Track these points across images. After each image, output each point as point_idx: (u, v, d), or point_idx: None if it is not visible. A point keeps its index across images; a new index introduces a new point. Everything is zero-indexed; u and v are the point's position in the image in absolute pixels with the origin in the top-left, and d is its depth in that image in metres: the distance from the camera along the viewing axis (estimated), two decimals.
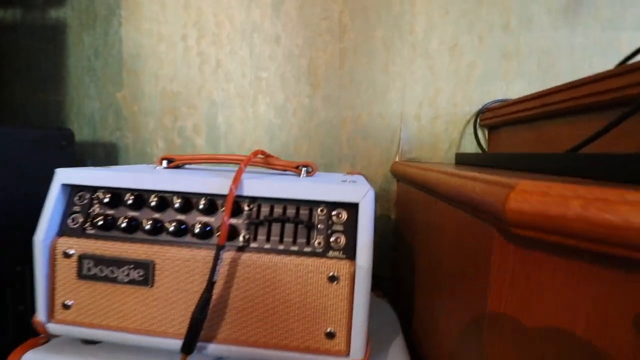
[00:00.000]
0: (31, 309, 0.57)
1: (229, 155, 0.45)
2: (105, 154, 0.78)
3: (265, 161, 0.45)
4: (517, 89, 0.70)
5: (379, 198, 0.74)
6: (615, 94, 0.39)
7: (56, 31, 0.77)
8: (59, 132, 0.61)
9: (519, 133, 0.64)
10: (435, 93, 0.71)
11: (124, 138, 0.77)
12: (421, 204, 0.52)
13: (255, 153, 0.43)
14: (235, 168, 0.38)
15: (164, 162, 0.46)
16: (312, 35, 0.72)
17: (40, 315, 0.38)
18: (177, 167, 0.47)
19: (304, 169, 0.44)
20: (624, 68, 0.38)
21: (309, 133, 0.74)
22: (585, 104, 0.45)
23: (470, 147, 0.72)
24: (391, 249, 0.74)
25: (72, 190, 0.40)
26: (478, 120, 0.70)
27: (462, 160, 0.68)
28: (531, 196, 0.23)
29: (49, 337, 0.42)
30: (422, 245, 0.51)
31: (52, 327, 0.38)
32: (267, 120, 0.74)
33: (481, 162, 0.59)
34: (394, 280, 0.70)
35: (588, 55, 0.68)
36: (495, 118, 0.66)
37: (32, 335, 0.41)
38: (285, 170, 0.45)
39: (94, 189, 0.40)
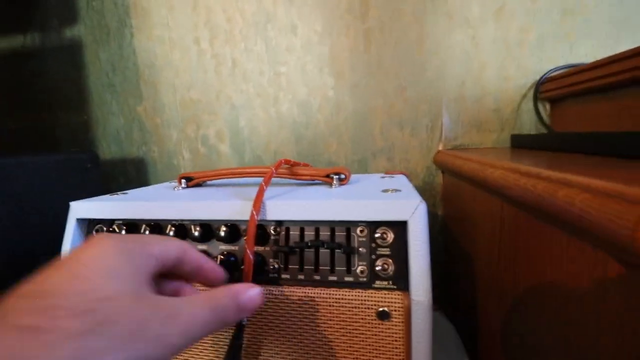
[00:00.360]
0: None
1: (250, 167, 0.40)
2: (136, 170, 0.77)
3: (291, 171, 0.39)
4: (584, 51, 0.58)
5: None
6: None
7: (73, 51, 0.76)
8: (83, 155, 0.60)
9: (592, 105, 0.52)
10: (480, 68, 0.61)
11: (150, 152, 0.76)
12: (480, 205, 0.44)
13: (279, 164, 0.37)
14: (260, 180, 0.33)
15: (183, 182, 0.42)
16: (331, 18, 0.64)
17: None
18: (198, 184, 0.43)
19: (335, 177, 0.38)
20: None
21: (337, 129, 0.67)
22: None
23: (528, 126, 0.61)
24: (440, 250, 0.66)
25: (89, 224, 0.37)
26: (537, 93, 0.59)
27: (520, 143, 0.58)
28: None
29: None
30: (485, 255, 0.43)
31: None
32: (291, 119, 0.69)
33: (546, 146, 0.49)
34: (446, 287, 0.63)
35: None
36: (559, 89, 0.55)
37: None
38: (314, 180, 0.39)
39: (110, 221, 0.37)
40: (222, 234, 0.32)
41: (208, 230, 0.33)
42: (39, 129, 0.81)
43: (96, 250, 0.18)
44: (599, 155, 0.35)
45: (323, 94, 0.67)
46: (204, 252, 0.33)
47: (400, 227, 0.29)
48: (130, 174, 0.77)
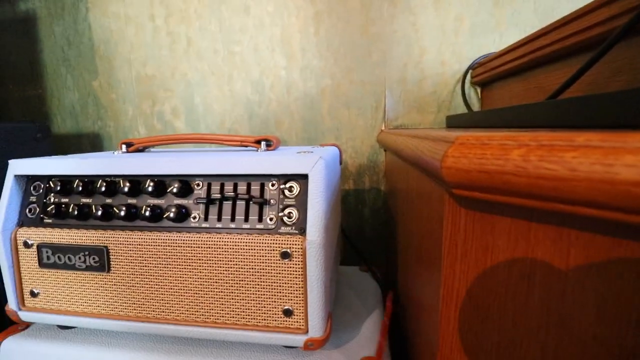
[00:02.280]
0: None
1: (186, 135, 0.43)
2: (91, 145, 0.78)
3: (222, 137, 0.42)
4: (512, 40, 0.64)
5: (366, 170, 0.71)
6: (602, 28, 0.34)
7: (27, 24, 0.75)
8: (33, 125, 0.61)
9: (511, 86, 0.58)
10: (420, 52, 0.66)
11: (105, 127, 0.77)
12: (400, 173, 0.49)
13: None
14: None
15: (123, 147, 0.45)
16: (283, 0, 0.67)
17: (12, 304, 0.39)
18: (137, 150, 0.46)
19: (263, 143, 0.41)
20: None
21: (288, 108, 0.71)
22: (574, 44, 0.39)
23: (462, 108, 0.67)
24: (383, 223, 0.72)
25: (28, 181, 0.39)
26: (469, 77, 0.65)
27: (453, 123, 0.63)
28: (470, 150, 0.20)
29: (28, 324, 0.43)
30: (402, 216, 0.48)
31: (24, 315, 0.39)
32: (244, 97, 0.71)
33: (471, 123, 0.55)
34: (386, 255, 0.68)
35: None
36: (486, 73, 0.60)
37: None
38: (245, 146, 0.43)
39: (48, 179, 0.39)
40: (150, 188, 0.35)
41: (136, 186, 0.36)
42: None
43: None
44: (507, 128, 0.40)
45: (275, 74, 0.70)
46: (134, 206, 0.36)
47: (304, 181, 0.33)
48: (85, 149, 0.78)
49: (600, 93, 0.23)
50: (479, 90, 0.66)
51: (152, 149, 0.50)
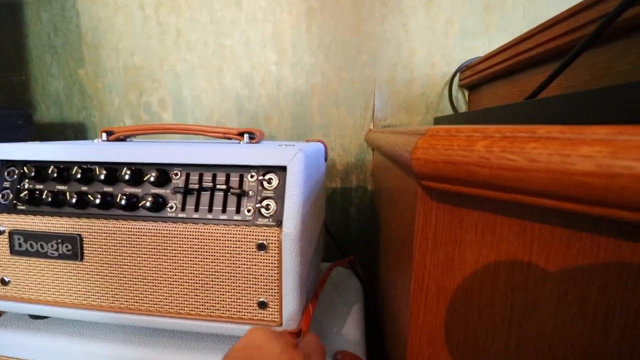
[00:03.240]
0: None
1: (168, 125, 0.43)
2: (75, 134, 0.76)
3: (205, 129, 0.42)
4: (501, 43, 0.64)
5: (354, 169, 0.71)
6: (583, 31, 0.34)
7: (13, 8, 0.74)
8: (14, 112, 0.59)
9: (497, 89, 0.59)
10: (410, 54, 0.66)
11: (90, 117, 0.75)
12: (384, 170, 0.49)
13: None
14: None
15: (104, 135, 0.44)
16: None
17: None
18: (119, 139, 0.45)
19: (246, 136, 0.41)
20: (587, 2, 0.33)
21: (278, 104, 0.71)
22: (556, 48, 0.40)
23: (450, 110, 0.67)
24: (369, 221, 0.72)
25: (2, 166, 0.39)
26: (457, 80, 0.65)
27: (440, 123, 0.63)
28: (438, 141, 0.20)
29: (1, 312, 0.42)
30: (384, 214, 0.48)
31: None
32: (234, 91, 0.71)
33: (457, 124, 0.55)
34: (370, 253, 0.68)
35: None
36: (474, 76, 0.61)
37: None
38: (228, 138, 0.43)
39: (22, 164, 0.38)
40: (127, 177, 0.35)
41: (113, 174, 0.36)
42: None
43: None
44: None
45: (265, 69, 0.70)
46: (109, 194, 0.35)
47: (283, 173, 0.33)
48: (69, 138, 0.76)
49: (572, 92, 0.23)
50: (466, 93, 0.67)
51: (133, 139, 0.49)
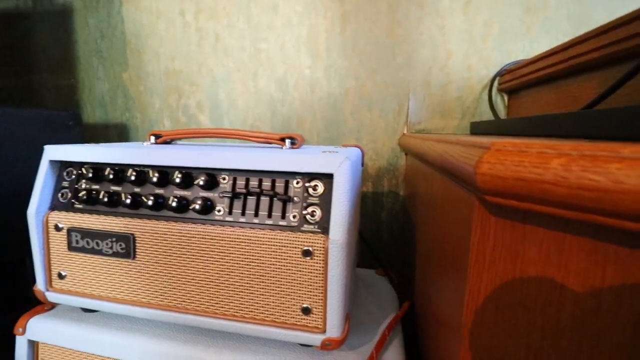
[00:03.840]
0: None
1: (213, 129, 0.44)
2: (117, 135, 0.80)
3: (247, 133, 0.43)
4: (542, 47, 0.62)
5: (386, 173, 0.71)
6: None
7: (64, 16, 0.78)
8: (65, 113, 0.63)
9: (540, 95, 0.56)
10: (446, 56, 0.65)
11: (133, 118, 0.79)
12: (422, 177, 0.49)
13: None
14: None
15: (152, 138, 0.46)
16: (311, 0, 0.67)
17: (40, 284, 0.41)
18: (165, 142, 0.47)
19: (288, 141, 0.42)
20: None
21: (311, 106, 0.71)
22: (613, 54, 0.38)
23: (488, 115, 0.65)
24: (400, 227, 0.71)
25: (61, 167, 0.41)
26: (496, 84, 0.63)
27: (478, 129, 0.62)
28: (506, 157, 0.20)
29: (53, 305, 0.45)
30: (422, 222, 0.47)
31: (51, 296, 0.40)
32: (268, 94, 0.72)
33: (498, 130, 0.54)
34: (402, 261, 0.68)
35: (630, 2, 0.58)
36: (515, 80, 0.59)
37: None
38: (269, 143, 0.43)
39: (80, 165, 0.40)
40: (178, 180, 0.36)
41: (165, 177, 0.37)
42: (25, 90, 0.84)
43: None
44: (537, 137, 0.39)
45: (300, 73, 0.70)
46: (161, 196, 0.37)
47: (329, 181, 0.33)
48: (112, 139, 0.80)
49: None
50: (505, 97, 0.65)
51: (178, 142, 0.51)
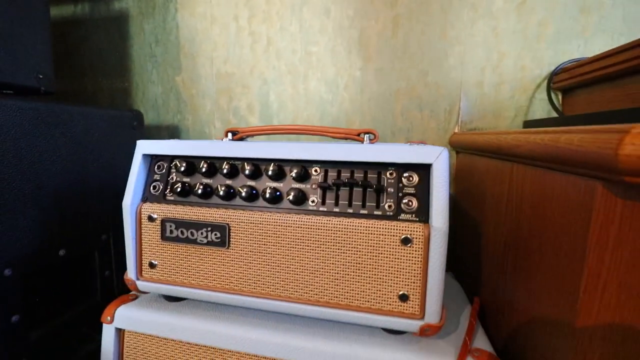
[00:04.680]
0: (116, 274, 0.63)
1: (289, 125, 0.46)
2: (169, 136, 0.83)
3: (326, 129, 0.44)
4: (598, 46, 0.62)
5: None
6: None
7: (120, 22, 0.82)
8: (130, 113, 0.66)
9: (599, 93, 0.57)
10: (499, 57, 0.66)
11: (184, 120, 0.82)
12: (491, 173, 0.49)
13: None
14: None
15: (229, 135, 0.48)
16: (363, 4, 0.69)
17: (130, 273, 0.42)
18: (241, 139, 0.49)
19: (366, 136, 0.43)
20: None
21: (361, 107, 0.73)
22: None
23: (540, 114, 0.66)
24: (450, 226, 0.71)
25: (152, 161, 0.43)
26: (551, 83, 0.64)
27: (533, 127, 0.62)
28: None
29: (137, 295, 0.47)
30: (492, 218, 0.48)
31: (141, 284, 0.42)
32: (317, 96, 0.74)
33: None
34: (453, 255, 0.68)
35: None
36: (571, 79, 0.60)
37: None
38: (347, 139, 0.45)
39: (171, 159, 0.42)
40: (270, 172, 0.38)
41: (257, 169, 0.39)
42: (81, 93, 0.87)
43: None
44: None
45: (350, 74, 0.72)
46: (254, 187, 0.38)
47: (424, 171, 0.34)
48: (163, 140, 0.83)
49: None
50: (559, 96, 0.65)
51: (249, 139, 0.53)
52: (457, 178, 0.69)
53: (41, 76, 0.56)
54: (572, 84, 0.60)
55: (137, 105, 0.84)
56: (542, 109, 0.65)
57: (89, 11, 0.84)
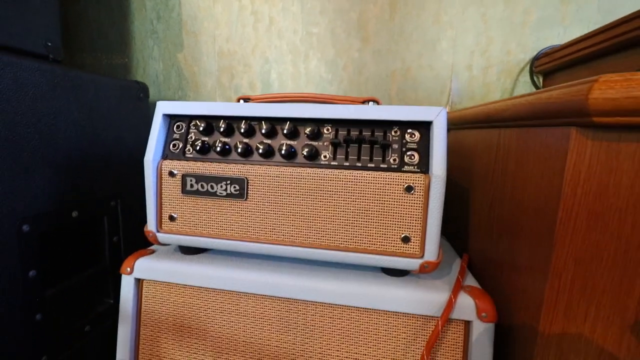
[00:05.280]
0: (123, 241, 0.65)
1: (299, 93, 0.49)
2: None
3: (334, 97, 0.48)
4: (575, 34, 0.69)
5: None
6: None
7: None
8: (137, 85, 0.67)
9: (575, 75, 0.63)
10: (487, 42, 0.71)
11: (185, 97, 0.83)
12: (480, 142, 0.54)
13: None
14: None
15: (241, 102, 0.51)
16: None
17: (151, 226, 0.45)
18: None
19: (371, 103, 0.47)
20: None
21: (359, 87, 0.77)
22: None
23: None
24: None
25: (170, 121, 0.46)
26: (533, 66, 0.70)
27: None
28: (615, 84, 0.25)
29: (153, 250, 0.49)
30: (480, 184, 0.53)
31: (161, 236, 0.45)
32: (317, 75, 0.78)
33: None
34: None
35: None
36: (551, 62, 0.66)
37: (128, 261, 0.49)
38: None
39: (190, 119, 0.45)
40: (286, 131, 0.41)
41: (273, 128, 0.42)
42: (80, 68, 0.87)
43: None
44: None
45: (349, 55, 0.76)
46: (270, 145, 0.42)
47: (425, 129, 0.39)
48: None
49: None
50: (540, 79, 0.71)
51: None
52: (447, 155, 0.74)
53: (50, 43, 0.57)
54: (552, 67, 0.66)
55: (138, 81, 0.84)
56: (525, 91, 0.71)
57: None
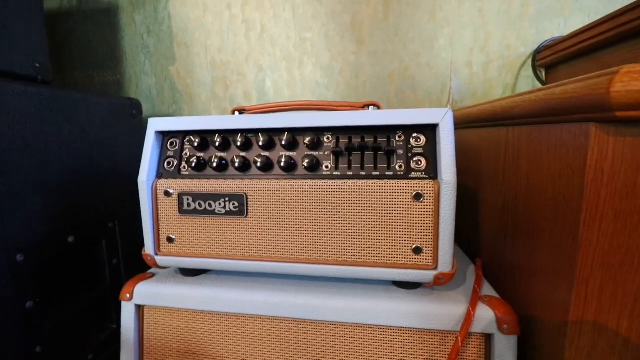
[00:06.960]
0: (123, 262, 0.63)
1: (296, 101, 0.47)
2: None
3: (332, 103, 0.46)
4: (576, 24, 0.67)
5: None
6: None
7: (109, 14, 0.81)
8: (130, 102, 0.66)
9: (579, 67, 0.61)
10: (486, 37, 0.69)
11: (180, 110, 0.82)
12: (486, 142, 0.52)
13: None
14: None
15: (236, 114, 0.49)
16: None
17: (149, 249, 0.43)
18: None
19: (371, 107, 0.45)
20: None
21: (356, 91, 0.75)
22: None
23: (527, 89, 0.70)
24: None
25: (164, 138, 0.44)
26: (535, 60, 0.68)
27: None
28: (638, 75, 0.23)
29: (153, 274, 0.47)
30: (489, 185, 0.51)
31: (160, 259, 0.43)
32: (313, 81, 0.76)
33: None
34: None
35: None
36: (554, 55, 0.64)
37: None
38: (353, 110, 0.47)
39: (183, 135, 0.43)
40: (284, 142, 0.39)
41: (271, 140, 0.40)
42: (72, 87, 0.86)
43: None
44: None
45: (344, 59, 0.74)
46: (268, 158, 0.40)
47: (431, 132, 0.37)
48: None
49: None
50: (543, 72, 0.69)
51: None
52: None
53: (38, 65, 0.56)
54: (554, 60, 0.64)
55: (131, 97, 0.83)
56: (527, 86, 0.69)
57: (77, 3, 0.83)
